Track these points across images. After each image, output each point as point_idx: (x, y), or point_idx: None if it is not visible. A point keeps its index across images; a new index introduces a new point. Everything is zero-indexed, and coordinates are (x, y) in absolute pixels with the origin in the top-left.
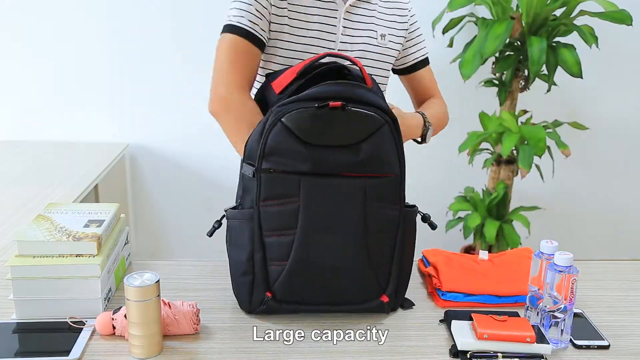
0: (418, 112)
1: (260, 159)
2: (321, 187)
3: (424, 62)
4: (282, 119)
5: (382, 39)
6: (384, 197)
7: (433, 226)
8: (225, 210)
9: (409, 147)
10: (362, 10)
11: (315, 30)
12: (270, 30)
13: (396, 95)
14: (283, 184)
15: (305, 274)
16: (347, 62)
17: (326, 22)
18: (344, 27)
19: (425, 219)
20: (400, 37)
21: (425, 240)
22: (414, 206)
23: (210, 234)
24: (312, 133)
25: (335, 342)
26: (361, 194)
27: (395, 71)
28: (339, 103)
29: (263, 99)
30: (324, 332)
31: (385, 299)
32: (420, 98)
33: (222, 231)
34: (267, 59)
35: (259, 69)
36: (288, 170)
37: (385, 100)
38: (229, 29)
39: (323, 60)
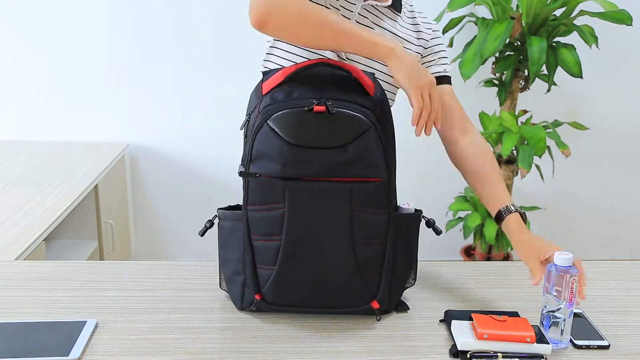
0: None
1: (248, 163)
2: (306, 193)
3: (440, 80)
4: (268, 121)
5: None
6: (370, 202)
7: (437, 231)
8: (218, 210)
9: (408, 146)
10: (380, 15)
11: None
12: None
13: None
14: (269, 189)
15: (293, 279)
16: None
17: (341, 13)
18: (357, 22)
19: (430, 224)
20: (415, 52)
21: (424, 241)
22: (419, 211)
23: (202, 233)
24: (298, 134)
25: (335, 342)
26: (347, 199)
27: None
28: (323, 108)
29: (251, 97)
30: (324, 332)
31: (375, 304)
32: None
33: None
34: (271, 51)
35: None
36: (274, 175)
37: (389, 107)
38: None
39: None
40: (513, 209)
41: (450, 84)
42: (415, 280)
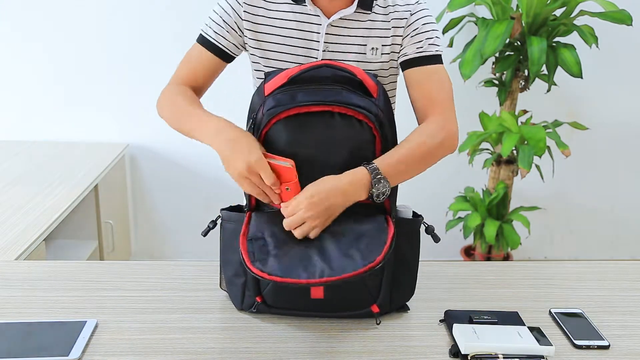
0: (363, 166)
1: None
2: None
3: (418, 61)
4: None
5: (373, 52)
6: (373, 205)
7: (436, 239)
8: (221, 211)
9: None
10: (349, 22)
11: (294, 45)
12: (244, 43)
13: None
14: None
15: (294, 284)
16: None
17: (306, 37)
18: (325, 42)
19: (429, 230)
20: (400, 45)
21: (424, 241)
22: (419, 217)
23: (205, 233)
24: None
25: (335, 342)
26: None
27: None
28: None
29: (253, 98)
30: (324, 332)
31: (375, 308)
32: (417, 110)
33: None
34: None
35: (255, 72)
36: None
37: (391, 109)
38: (198, 37)
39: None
40: (374, 166)
41: (429, 63)
42: (412, 294)
